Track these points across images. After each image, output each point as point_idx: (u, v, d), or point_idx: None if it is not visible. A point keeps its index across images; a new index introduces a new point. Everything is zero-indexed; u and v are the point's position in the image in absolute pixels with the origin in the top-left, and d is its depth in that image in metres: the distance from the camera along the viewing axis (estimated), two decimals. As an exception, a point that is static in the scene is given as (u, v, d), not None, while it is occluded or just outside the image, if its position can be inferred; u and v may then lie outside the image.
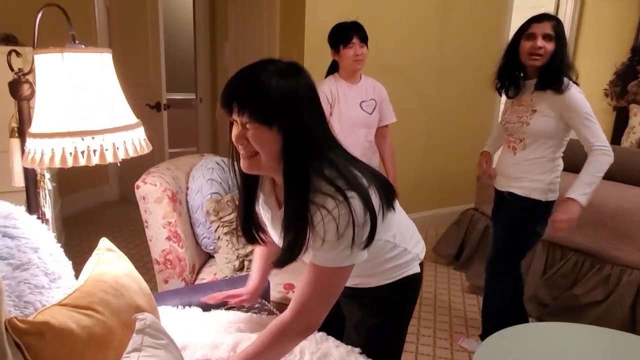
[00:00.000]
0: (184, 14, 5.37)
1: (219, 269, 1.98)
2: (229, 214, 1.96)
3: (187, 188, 2.06)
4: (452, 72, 3.76)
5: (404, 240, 1.23)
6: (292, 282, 1.88)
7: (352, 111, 2.38)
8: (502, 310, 2.12)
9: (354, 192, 0.98)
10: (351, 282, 1.18)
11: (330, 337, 1.28)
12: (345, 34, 2.27)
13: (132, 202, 4.19)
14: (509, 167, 2.06)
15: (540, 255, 2.69)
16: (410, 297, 1.33)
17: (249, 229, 1.19)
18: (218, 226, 1.97)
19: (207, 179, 2.03)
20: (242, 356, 1.07)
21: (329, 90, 2.34)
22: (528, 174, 1.97)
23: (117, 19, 4.08)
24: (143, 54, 3.82)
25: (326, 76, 2.43)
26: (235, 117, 1.01)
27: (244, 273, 1.89)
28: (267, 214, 1.20)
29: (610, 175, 2.68)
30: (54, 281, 1.09)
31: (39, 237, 1.13)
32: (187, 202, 2.04)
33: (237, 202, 2.00)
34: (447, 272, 3.14)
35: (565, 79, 1.85)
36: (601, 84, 4.27)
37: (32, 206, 1.37)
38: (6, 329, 0.78)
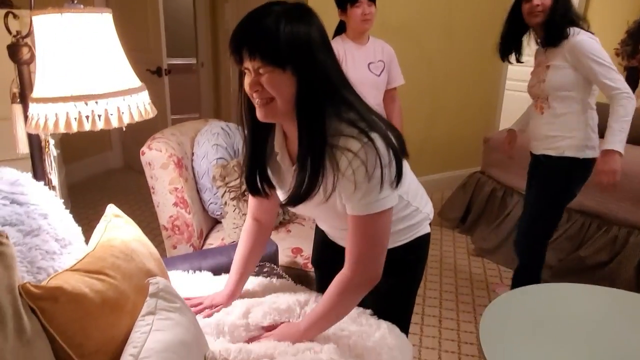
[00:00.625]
0: (182, -25, 5.20)
1: (227, 234, 1.98)
2: (236, 179, 1.95)
3: (193, 154, 2.04)
4: (459, 33, 3.66)
5: (415, 199, 1.23)
6: (300, 246, 1.89)
7: (360, 73, 2.32)
8: (537, 277, 2.09)
9: (375, 132, 0.97)
10: None
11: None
12: (353, -8, 2.19)
13: (136, 170, 4.21)
14: (539, 127, 2.01)
15: (546, 218, 2.68)
16: (422, 258, 1.34)
17: (253, 179, 1.17)
18: (225, 191, 1.96)
19: (212, 145, 2.01)
20: (312, 316, 1.10)
21: (336, 51, 2.26)
22: (559, 132, 1.91)
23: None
24: (142, 17, 3.72)
25: (333, 37, 2.36)
26: (247, 64, 0.97)
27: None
28: (277, 171, 1.18)
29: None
30: (65, 247, 1.09)
31: (48, 204, 1.12)
32: (192, 167, 2.02)
33: (243, 168, 1.98)
34: (452, 235, 3.15)
35: (573, 28, 1.81)
36: (612, 44, 4.15)
37: (38, 173, 1.36)
38: (20, 294, 0.78)
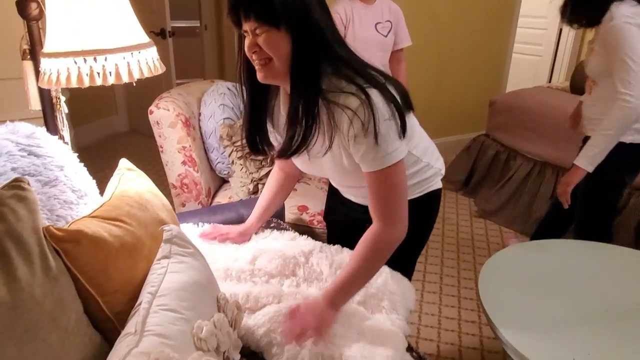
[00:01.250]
0: None
1: (234, 192, 2.03)
2: (242, 139, 1.98)
3: (200, 114, 2.07)
4: (467, -3, 3.59)
5: (425, 154, 1.24)
6: (306, 204, 1.94)
7: (367, 33, 2.31)
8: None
9: (373, 88, 0.98)
10: None
11: (345, 248, 1.33)
12: (359, -51, 2.16)
13: (142, 133, 4.24)
14: (586, 108, 1.90)
15: (549, 179, 2.72)
16: (433, 212, 1.37)
17: (253, 137, 1.19)
18: (232, 151, 1.99)
19: (219, 104, 2.03)
20: (337, 282, 1.08)
21: (343, 10, 2.26)
22: (602, 114, 1.69)
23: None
24: (144, -23, 3.66)
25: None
26: (244, 26, 0.99)
27: (258, 195, 1.94)
28: (281, 127, 1.19)
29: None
30: (81, 198, 1.14)
31: (63, 156, 1.16)
32: (200, 127, 2.05)
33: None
34: (455, 197, 3.20)
35: (616, 3, 1.62)
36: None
37: (51, 129, 1.39)
38: (45, 236, 0.83)
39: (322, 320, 1.04)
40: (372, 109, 0.96)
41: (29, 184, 0.86)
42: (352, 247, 1.28)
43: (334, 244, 1.37)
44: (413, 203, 1.22)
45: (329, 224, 1.62)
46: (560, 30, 4.50)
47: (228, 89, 2.13)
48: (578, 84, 2.92)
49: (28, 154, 1.05)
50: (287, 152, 1.07)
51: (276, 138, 1.24)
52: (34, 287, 0.74)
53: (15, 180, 0.84)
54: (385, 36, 2.34)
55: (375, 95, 0.98)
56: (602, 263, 1.59)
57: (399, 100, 1.04)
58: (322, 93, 1.00)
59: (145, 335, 0.78)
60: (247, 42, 1.01)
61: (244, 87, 1.14)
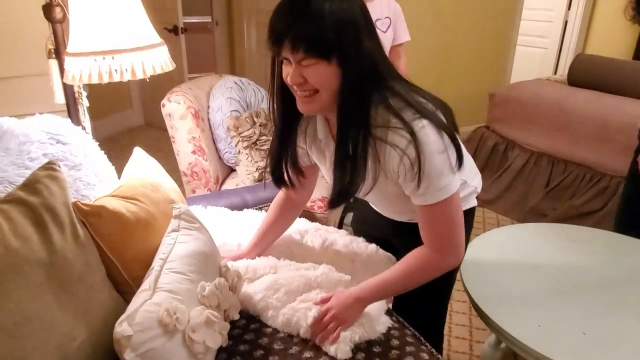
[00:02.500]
0: None
1: (241, 180, 2.18)
2: (248, 130, 2.13)
3: (208, 107, 2.21)
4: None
5: (463, 173, 1.09)
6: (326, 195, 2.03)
7: (366, 30, 2.43)
8: None
9: (425, 119, 0.92)
10: (414, 217, 1.13)
11: (341, 230, 1.47)
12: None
13: (156, 127, 4.42)
14: None
15: (545, 169, 2.82)
16: (468, 228, 1.24)
17: (280, 171, 1.14)
18: (238, 141, 2.14)
19: (226, 98, 2.18)
20: (376, 281, 1.07)
21: None
22: None
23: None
24: (157, -24, 3.82)
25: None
26: (286, 54, 0.91)
27: (263, 182, 2.08)
28: (322, 158, 1.14)
29: (618, 90, 2.73)
30: (102, 180, 1.29)
31: (86, 145, 1.32)
32: (208, 119, 2.20)
33: (254, 119, 2.15)
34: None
35: None
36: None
37: (74, 120, 1.55)
38: (73, 210, 0.98)
39: (350, 312, 1.05)
40: (421, 146, 0.91)
41: (59, 166, 1.01)
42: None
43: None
44: None
45: (355, 232, 1.53)
46: (566, 22, 4.55)
47: (235, 83, 2.28)
48: (575, 76, 3.00)
49: (56, 142, 1.21)
50: (337, 199, 1.01)
51: (310, 159, 1.20)
52: (66, 250, 0.89)
53: (49, 163, 1.00)
54: (385, 32, 2.46)
55: (427, 126, 0.91)
56: (578, 244, 1.70)
57: (450, 126, 0.97)
58: (371, 129, 0.94)
59: (157, 291, 0.93)
60: (288, 70, 0.93)
61: (277, 116, 1.06)
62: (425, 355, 1.10)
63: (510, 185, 2.96)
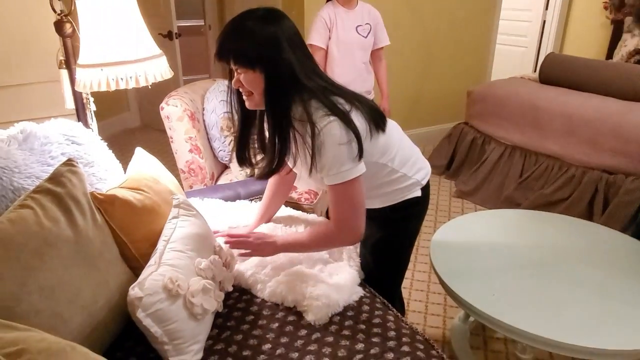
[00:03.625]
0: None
1: (234, 175, 2.37)
2: (240, 130, 2.31)
3: (203, 109, 2.40)
4: (449, -9, 3.86)
5: (403, 167, 1.36)
6: (295, 184, 2.26)
7: (349, 35, 2.61)
8: None
9: (333, 116, 1.14)
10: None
11: (321, 217, 1.67)
12: (340, -39, 2.46)
13: (153, 128, 4.61)
14: None
15: (518, 162, 3.03)
16: (411, 217, 1.49)
17: (242, 154, 1.38)
18: (231, 140, 2.33)
19: (219, 100, 2.37)
20: (290, 239, 1.32)
21: (327, 15, 2.57)
22: None
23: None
24: (152, -16, 3.99)
25: (326, 2, 2.64)
26: (231, 65, 1.19)
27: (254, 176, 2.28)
28: None
29: (584, 87, 2.94)
30: (112, 175, 1.48)
31: (96, 145, 1.51)
32: (203, 120, 2.39)
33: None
34: (438, 180, 3.51)
35: None
36: (601, -2, 4.32)
37: (83, 123, 1.74)
38: (91, 198, 1.17)
39: (262, 247, 1.34)
40: (329, 135, 1.13)
41: (77, 163, 1.20)
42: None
43: None
44: (389, 208, 1.41)
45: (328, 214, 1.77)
46: (544, 22, 4.76)
47: (227, 86, 2.46)
48: (546, 75, 3.21)
49: (72, 143, 1.40)
50: (265, 174, 1.28)
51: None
52: (88, 230, 1.09)
53: (69, 160, 1.19)
54: (365, 37, 2.65)
55: (332, 123, 1.13)
56: (539, 227, 1.91)
57: (367, 124, 1.22)
58: (292, 122, 1.18)
59: (161, 265, 1.13)
60: (233, 81, 1.22)
61: (235, 110, 1.32)
62: (391, 317, 1.30)
63: (487, 177, 3.16)
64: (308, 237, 1.33)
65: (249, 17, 1.16)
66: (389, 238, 1.48)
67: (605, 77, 2.94)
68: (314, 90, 1.18)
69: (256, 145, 1.38)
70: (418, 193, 1.43)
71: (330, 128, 1.14)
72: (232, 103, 1.31)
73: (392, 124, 1.38)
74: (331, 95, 1.20)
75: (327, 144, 1.14)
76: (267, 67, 1.14)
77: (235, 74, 1.20)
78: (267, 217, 1.62)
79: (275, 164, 1.24)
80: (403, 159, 1.37)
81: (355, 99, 1.23)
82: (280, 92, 1.17)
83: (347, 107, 1.19)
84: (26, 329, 0.72)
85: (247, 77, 1.17)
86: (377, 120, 1.26)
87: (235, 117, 1.34)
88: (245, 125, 1.35)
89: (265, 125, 1.32)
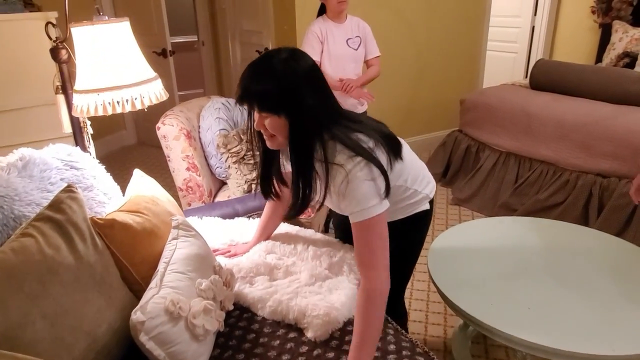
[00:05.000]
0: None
1: (232, 192, 2.39)
2: (236, 146, 2.34)
3: (199, 127, 2.43)
4: (440, 3, 3.92)
5: (415, 183, 1.41)
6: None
7: (340, 48, 2.65)
8: None
9: (357, 157, 1.14)
10: None
11: (319, 233, 1.69)
12: (329, -22, 2.50)
13: (149, 145, 4.64)
14: None
15: (512, 168, 3.06)
16: (419, 229, 1.54)
17: (266, 185, 1.40)
18: (227, 157, 2.35)
19: (215, 118, 2.39)
20: (355, 342, 1.14)
21: (318, 29, 2.61)
22: None
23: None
24: (145, 3, 4.04)
25: (317, 17, 2.68)
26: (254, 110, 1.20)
27: (252, 192, 2.30)
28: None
29: (574, 92, 2.98)
30: (110, 199, 1.50)
31: (94, 169, 1.53)
32: (200, 138, 2.41)
33: (241, 136, 2.37)
34: (435, 188, 3.53)
35: None
36: (588, 2, 4.39)
37: (80, 147, 1.76)
38: (91, 224, 1.19)
39: None
40: (352, 179, 1.13)
41: (77, 188, 1.22)
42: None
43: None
44: (400, 221, 1.45)
45: (336, 229, 1.77)
46: (533, 28, 4.82)
47: (222, 104, 2.49)
48: (536, 81, 3.25)
49: (70, 168, 1.42)
50: (292, 216, 1.27)
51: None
52: (89, 256, 1.10)
53: (68, 186, 1.20)
54: (356, 49, 2.69)
55: (358, 164, 1.14)
56: (539, 235, 1.93)
57: (388, 157, 1.22)
58: (315, 165, 1.18)
59: (163, 288, 1.14)
60: (255, 119, 1.21)
61: (258, 146, 1.32)
62: (391, 331, 1.31)
63: (483, 184, 3.19)
64: (356, 324, 1.16)
65: (271, 60, 1.14)
66: (396, 250, 1.45)
67: (595, 82, 2.98)
68: (338, 131, 1.18)
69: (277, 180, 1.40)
70: (427, 206, 1.49)
71: (356, 169, 1.14)
72: (253, 139, 1.31)
73: (404, 144, 1.39)
74: (353, 133, 1.20)
75: (353, 184, 1.14)
76: (292, 113, 1.15)
77: (258, 116, 1.19)
78: (266, 235, 1.66)
79: (301, 207, 1.24)
80: (414, 177, 1.42)
81: (374, 130, 1.24)
82: (305, 137, 1.17)
83: (370, 144, 1.20)
84: (29, 359, 0.74)
85: (271, 122, 1.17)
86: (395, 149, 1.28)
87: (256, 150, 1.35)
88: (267, 162, 1.36)
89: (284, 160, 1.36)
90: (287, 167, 1.40)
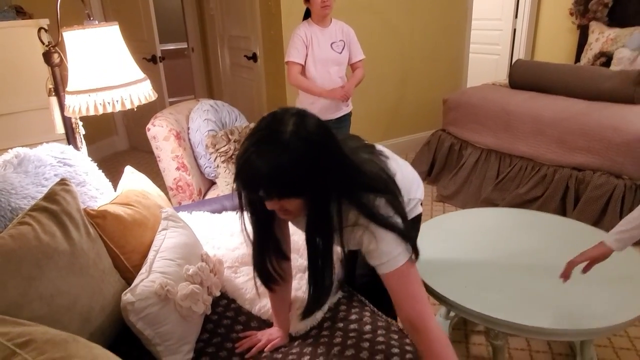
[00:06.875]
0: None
1: (221, 190, 2.46)
2: (224, 146, 2.42)
3: (188, 128, 2.51)
4: (422, 5, 4.03)
5: (409, 193, 1.42)
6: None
7: (324, 52, 2.75)
8: None
9: (374, 224, 1.08)
10: None
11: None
12: (313, -16, 2.60)
13: (141, 150, 4.70)
14: None
15: (493, 164, 3.16)
16: (415, 230, 1.55)
17: (265, 275, 1.24)
18: (216, 156, 2.43)
19: (203, 119, 2.47)
20: None
21: (303, 33, 2.70)
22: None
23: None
24: (135, 10, 4.12)
25: (302, 20, 2.78)
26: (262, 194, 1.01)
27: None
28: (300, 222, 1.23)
29: (551, 90, 3.10)
30: (102, 194, 1.57)
31: (86, 165, 1.60)
32: (189, 139, 2.49)
33: (229, 136, 2.45)
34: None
35: None
36: (567, 4, 4.52)
37: (73, 146, 1.83)
38: (84, 214, 1.27)
39: None
40: (373, 234, 1.08)
41: (70, 182, 1.30)
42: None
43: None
44: None
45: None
46: (514, 30, 4.95)
47: (211, 105, 2.57)
48: (515, 80, 3.37)
49: (64, 165, 1.49)
50: (311, 312, 1.20)
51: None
52: (82, 243, 1.18)
53: (62, 179, 1.28)
54: (340, 53, 2.78)
55: (376, 226, 1.08)
56: (517, 223, 2.02)
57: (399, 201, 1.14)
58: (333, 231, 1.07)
59: (152, 273, 1.22)
60: (268, 204, 1.04)
61: (252, 224, 1.17)
62: (367, 313, 1.39)
63: (466, 181, 3.29)
64: None
65: (280, 138, 0.95)
66: None
67: (570, 80, 3.10)
68: (356, 199, 1.08)
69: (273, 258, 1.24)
70: (419, 210, 1.50)
71: (377, 232, 1.08)
72: (244, 219, 1.16)
73: (391, 157, 1.34)
74: (366, 193, 1.10)
75: (376, 243, 1.09)
76: (314, 192, 1.01)
77: (272, 202, 1.03)
78: (284, 315, 1.38)
79: (322, 299, 1.17)
80: (408, 187, 1.41)
81: (382, 176, 1.16)
82: (325, 209, 1.04)
83: (384, 207, 1.11)
84: (32, 324, 0.81)
85: (292, 203, 1.02)
86: (397, 189, 1.18)
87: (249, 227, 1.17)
88: (262, 245, 1.21)
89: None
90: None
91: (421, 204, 1.52)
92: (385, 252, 1.09)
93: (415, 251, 1.12)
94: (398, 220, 1.10)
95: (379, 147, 1.35)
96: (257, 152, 0.94)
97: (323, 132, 1.01)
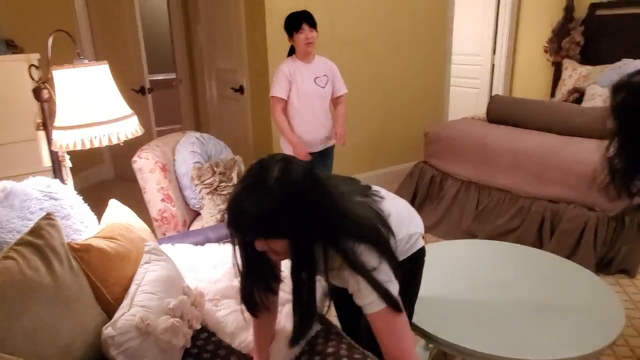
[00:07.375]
0: (159, 1, 5.70)
1: (205, 221, 2.50)
2: (209, 178, 2.47)
3: (174, 160, 2.55)
4: (404, 43, 4.19)
5: (408, 229, 1.40)
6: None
7: (308, 87, 2.84)
8: None
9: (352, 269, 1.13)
10: None
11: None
12: (296, 22, 2.71)
13: (127, 179, 4.71)
14: None
15: (473, 195, 3.24)
16: (417, 267, 1.52)
17: (252, 298, 1.28)
18: (201, 188, 2.47)
19: (189, 152, 2.52)
20: None
21: (287, 69, 2.80)
22: None
23: (96, 11, 4.44)
24: (123, 42, 4.21)
25: (287, 56, 2.88)
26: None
27: (225, 222, 2.41)
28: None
29: (526, 124, 3.22)
30: (86, 227, 1.60)
31: (72, 199, 1.64)
32: (175, 171, 2.53)
33: (214, 169, 2.50)
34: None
35: None
36: (541, 42, 4.74)
37: (59, 179, 1.87)
38: (68, 248, 1.29)
39: None
40: (357, 280, 1.13)
41: (55, 216, 1.33)
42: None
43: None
44: (401, 263, 1.35)
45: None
46: (493, 65, 5.15)
47: (197, 138, 2.63)
48: (492, 115, 3.50)
49: (49, 198, 1.53)
50: (298, 339, 1.26)
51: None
52: (65, 277, 1.20)
53: (47, 214, 1.31)
54: (324, 87, 2.88)
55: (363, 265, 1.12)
56: (495, 256, 2.08)
57: (386, 237, 1.19)
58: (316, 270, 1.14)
59: (133, 306, 1.25)
60: (256, 244, 1.11)
61: (241, 258, 1.22)
62: (344, 346, 1.42)
63: (447, 212, 3.36)
64: None
65: (265, 185, 1.04)
66: (401, 289, 1.29)
67: (545, 116, 3.24)
68: (337, 241, 1.13)
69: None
70: (421, 243, 1.48)
71: (359, 277, 1.13)
72: (236, 260, 1.23)
73: (386, 197, 1.37)
74: (350, 238, 1.14)
75: (358, 285, 1.13)
76: (299, 234, 1.08)
77: (261, 242, 1.11)
78: (266, 352, 1.42)
79: (307, 328, 1.23)
80: (405, 223, 1.40)
81: (370, 216, 1.21)
82: (308, 250, 1.11)
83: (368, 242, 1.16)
84: (13, 359, 0.83)
85: (278, 244, 1.09)
86: (387, 227, 1.23)
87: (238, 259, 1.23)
88: (252, 270, 1.26)
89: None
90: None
91: (423, 237, 1.49)
92: (368, 294, 1.13)
93: (392, 301, 1.13)
94: (384, 267, 1.14)
95: (375, 187, 1.38)
96: (244, 196, 1.05)
97: (308, 179, 1.08)
